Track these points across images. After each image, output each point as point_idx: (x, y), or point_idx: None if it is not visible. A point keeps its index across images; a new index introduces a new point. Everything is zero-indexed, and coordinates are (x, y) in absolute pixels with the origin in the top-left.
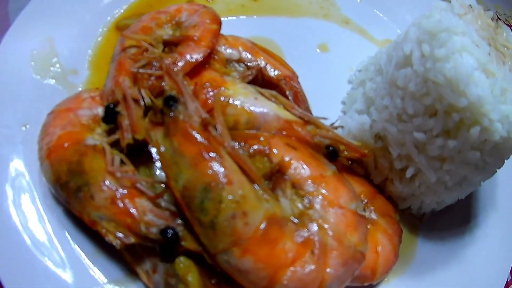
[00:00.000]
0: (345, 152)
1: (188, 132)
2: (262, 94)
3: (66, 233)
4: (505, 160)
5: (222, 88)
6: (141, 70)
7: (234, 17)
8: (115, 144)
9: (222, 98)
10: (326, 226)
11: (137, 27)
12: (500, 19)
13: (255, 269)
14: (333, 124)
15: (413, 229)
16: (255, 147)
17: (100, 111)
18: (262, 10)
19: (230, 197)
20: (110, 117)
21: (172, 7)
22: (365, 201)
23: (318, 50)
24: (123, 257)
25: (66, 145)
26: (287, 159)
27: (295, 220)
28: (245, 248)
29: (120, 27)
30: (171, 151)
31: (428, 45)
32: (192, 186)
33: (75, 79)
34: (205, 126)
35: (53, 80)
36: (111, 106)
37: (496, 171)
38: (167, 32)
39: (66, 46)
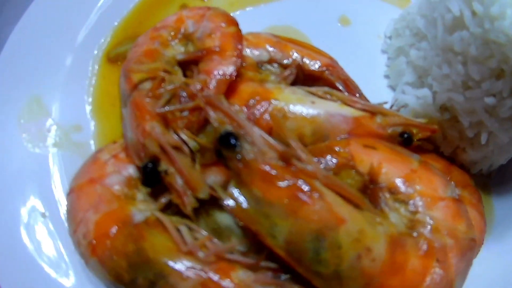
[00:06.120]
0: (418, 134)
1: (269, 174)
2: (314, 95)
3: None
4: None
5: (272, 101)
6: (169, 108)
7: (239, 11)
8: (165, 208)
9: (277, 114)
10: (438, 226)
11: (137, 54)
12: None
13: None
14: (392, 106)
15: (485, 190)
16: (336, 161)
17: (131, 171)
18: None
19: (348, 238)
20: (153, 180)
21: (170, 19)
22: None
23: (339, 24)
24: None
25: (111, 232)
26: (374, 164)
27: (414, 233)
28: (379, 286)
29: (113, 58)
30: (254, 203)
31: (478, 3)
32: (298, 238)
33: (81, 137)
34: (286, 160)
35: (55, 148)
36: (149, 165)
37: None
38: (178, 51)
39: (57, 100)
